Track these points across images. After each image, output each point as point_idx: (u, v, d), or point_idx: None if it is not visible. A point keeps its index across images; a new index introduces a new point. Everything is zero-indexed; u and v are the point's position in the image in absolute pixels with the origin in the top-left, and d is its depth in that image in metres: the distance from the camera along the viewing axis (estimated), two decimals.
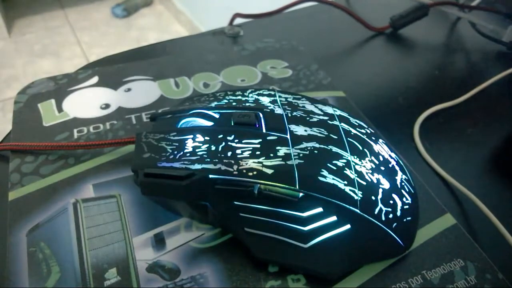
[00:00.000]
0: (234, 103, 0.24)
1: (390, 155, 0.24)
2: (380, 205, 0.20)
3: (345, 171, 0.20)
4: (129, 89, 0.32)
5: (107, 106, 0.31)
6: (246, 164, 0.20)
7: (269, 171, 0.20)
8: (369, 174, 0.21)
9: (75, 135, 0.28)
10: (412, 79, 0.38)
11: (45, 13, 2.01)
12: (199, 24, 1.81)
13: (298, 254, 0.20)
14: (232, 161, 0.20)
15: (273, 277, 0.21)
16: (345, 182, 0.20)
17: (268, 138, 0.21)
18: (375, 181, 0.21)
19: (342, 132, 0.23)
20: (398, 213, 0.21)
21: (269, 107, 0.24)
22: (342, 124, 0.23)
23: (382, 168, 0.22)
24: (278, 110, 0.23)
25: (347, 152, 0.21)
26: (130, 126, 0.29)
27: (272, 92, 0.26)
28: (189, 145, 0.21)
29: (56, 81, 0.33)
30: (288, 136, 0.21)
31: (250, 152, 0.20)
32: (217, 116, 0.23)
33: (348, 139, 0.22)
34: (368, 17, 0.45)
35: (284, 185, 0.19)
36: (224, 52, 0.37)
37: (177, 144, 0.22)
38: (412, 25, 0.45)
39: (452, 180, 0.27)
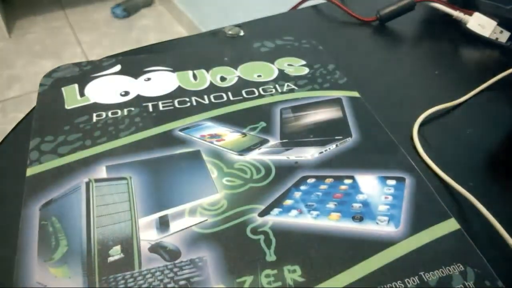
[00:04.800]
0: None
1: None
2: None
3: None
4: (148, 79, 0.33)
5: (126, 93, 0.32)
6: None
7: None
8: None
9: (94, 119, 0.29)
10: (411, 79, 0.37)
11: (45, 13, 2.02)
12: (199, 24, 1.81)
13: None
14: None
15: (269, 266, 0.21)
16: None
17: None
18: None
19: None
20: None
21: None
22: None
23: None
24: None
25: None
26: (147, 114, 0.30)
27: None
28: None
29: (81, 67, 0.34)
30: None
31: None
32: None
33: None
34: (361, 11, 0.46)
35: None
36: (244, 48, 0.38)
37: None
38: (402, 19, 0.45)
39: (451, 181, 0.27)
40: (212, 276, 0.21)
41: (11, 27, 1.90)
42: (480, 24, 0.44)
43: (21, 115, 1.45)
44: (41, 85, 0.32)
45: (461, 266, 0.22)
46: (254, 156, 0.27)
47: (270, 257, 0.22)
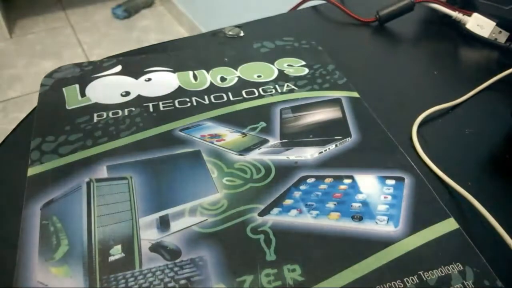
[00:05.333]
0: None
1: None
2: None
3: None
4: (149, 79, 0.34)
5: (127, 93, 0.32)
6: None
7: None
8: None
9: (94, 119, 0.29)
10: (410, 79, 0.38)
11: (46, 14, 2.02)
12: (199, 25, 1.81)
13: None
14: None
15: (269, 265, 0.21)
16: None
17: None
18: None
19: None
20: None
21: None
22: None
23: None
24: None
25: None
26: (147, 114, 0.30)
27: None
28: None
29: (82, 68, 0.34)
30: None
31: None
32: None
33: None
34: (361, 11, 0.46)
35: None
36: (244, 48, 0.38)
37: None
38: (401, 20, 0.45)
39: (450, 180, 0.27)
40: (212, 275, 0.21)
41: (12, 28, 1.90)
42: (479, 24, 0.44)
43: (22, 115, 1.45)
44: (42, 85, 0.32)
45: (460, 265, 0.22)
46: (254, 156, 0.27)
47: (270, 256, 0.22)
